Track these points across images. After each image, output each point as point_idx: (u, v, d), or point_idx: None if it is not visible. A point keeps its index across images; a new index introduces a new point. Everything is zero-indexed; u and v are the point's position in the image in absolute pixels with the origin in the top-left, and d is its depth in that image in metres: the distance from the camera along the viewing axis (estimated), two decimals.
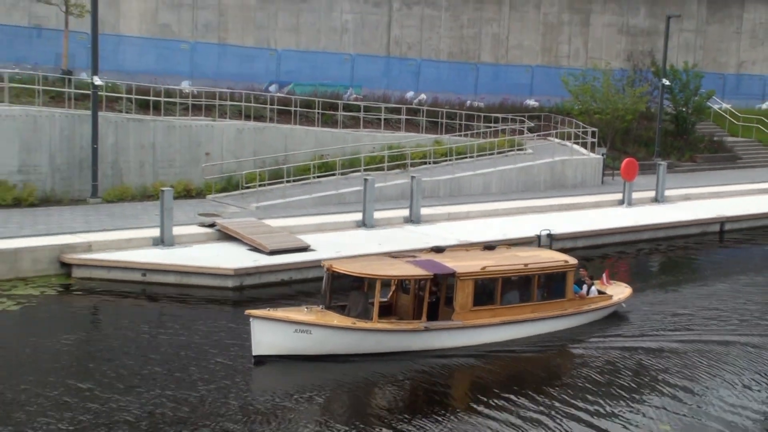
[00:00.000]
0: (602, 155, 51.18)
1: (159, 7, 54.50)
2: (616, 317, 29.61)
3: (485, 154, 48.50)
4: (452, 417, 21.07)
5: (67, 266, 31.66)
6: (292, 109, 46.59)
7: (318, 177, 43.22)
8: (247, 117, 45.10)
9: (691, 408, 22.19)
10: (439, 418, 20.94)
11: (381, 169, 44.49)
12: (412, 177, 40.48)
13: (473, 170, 46.62)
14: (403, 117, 49.82)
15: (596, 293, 29.23)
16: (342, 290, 25.83)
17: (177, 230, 34.00)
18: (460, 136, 50.04)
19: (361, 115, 48.42)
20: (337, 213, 39.65)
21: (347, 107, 48.74)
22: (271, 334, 23.80)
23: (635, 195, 46.58)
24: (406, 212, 39.86)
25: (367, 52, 58.82)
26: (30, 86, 41.32)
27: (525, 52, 63.56)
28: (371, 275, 24.96)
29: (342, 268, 25.27)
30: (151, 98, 43.21)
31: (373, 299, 24.79)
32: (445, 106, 52.73)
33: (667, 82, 57.40)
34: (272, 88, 51.73)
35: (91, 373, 22.68)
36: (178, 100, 44.21)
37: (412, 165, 45.56)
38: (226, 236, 35.00)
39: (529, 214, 42.69)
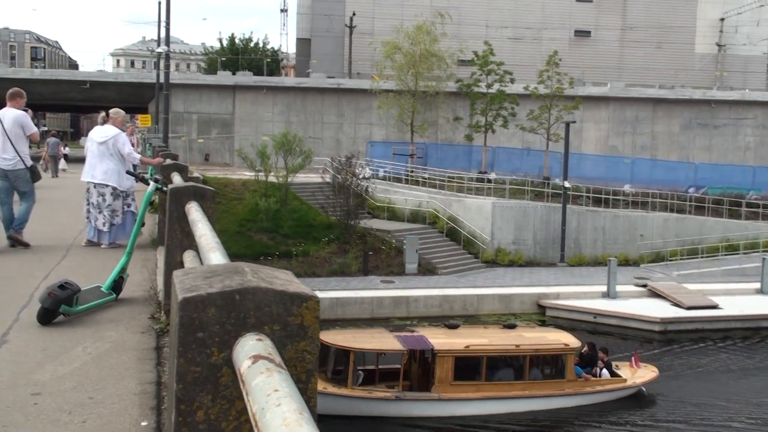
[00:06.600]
0: None
1: (609, 135, 53.76)
2: (633, 399, 21.64)
3: None
4: None
5: (542, 308, 31.64)
6: (706, 205, 43.32)
7: (724, 255, 39.48)
8: (671, 210, 42.45)
9: None
10: None
11: None
12: None
13: None
14: None
15: (607, 375, 21.72)
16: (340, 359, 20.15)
17: (618, 288, 32.74)
18: None
19: (760, 210, 43.72)
20: (739, 282, 35.75)
21: (749, 204, 44.29)
22: None
23: None
24: None
25: (765, 164, 53.45)
26: (522, 187, 42.44)
27: None
28: (347, 347, 19.55)
29: (325, 339, 19.62)
30: (602, 196, 42.44)
31: (361, 367, 19.98)
32: None
33: None
34: (690, 190, 48.54)
35: None
36: (621, 197, 42.95)
37: None
38: (654, 294, 33.02)
39: None
